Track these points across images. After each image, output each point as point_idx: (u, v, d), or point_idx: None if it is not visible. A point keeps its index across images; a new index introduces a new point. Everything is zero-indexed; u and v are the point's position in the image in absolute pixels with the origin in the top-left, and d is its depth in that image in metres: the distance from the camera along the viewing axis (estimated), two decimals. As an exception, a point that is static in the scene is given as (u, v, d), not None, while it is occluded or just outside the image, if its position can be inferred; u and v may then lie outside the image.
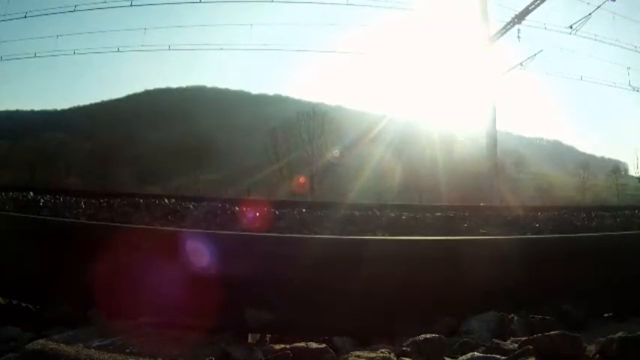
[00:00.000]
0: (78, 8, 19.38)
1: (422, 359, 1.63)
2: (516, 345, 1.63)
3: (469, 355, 1.53)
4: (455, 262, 2.29)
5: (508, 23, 20.09)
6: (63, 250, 2.29)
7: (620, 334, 1.56)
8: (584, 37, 20.18)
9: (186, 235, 2.32)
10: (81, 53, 20.65)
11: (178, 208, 8.57)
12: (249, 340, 2.01)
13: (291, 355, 1.58)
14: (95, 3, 19.08)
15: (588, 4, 18.58)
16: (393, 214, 8.88)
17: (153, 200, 9.89)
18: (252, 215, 8.09)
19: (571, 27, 19.60)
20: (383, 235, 5.96)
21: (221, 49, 35.63)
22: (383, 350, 1.66)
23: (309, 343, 1.66)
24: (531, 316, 2.09)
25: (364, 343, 1.91)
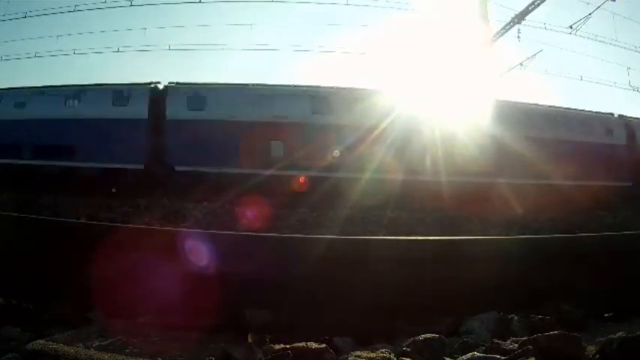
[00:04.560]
0: (78, 8, 19.37)
1: (422, 359, 1.63)
2: (516, 345, 1.63)
3: (469, 355, 1.53)
4: (456, 261, 2.30)
5: (508, 23, 20.07)
6: (63, 251, 2.29)
7: (620, 334, 1.56)
8: (584, 37, 20.14)
9: (185, 235, 2.32)
10: (81, 53, 20.56)
11: (178, 208, 8.57)
12: (249, 340, 2.01)
13: (291, 355, 1.58)
14: (95, 3, 19.06)
15: (588, 4, 18.56)
16: (393, 215, 8.88)
17: (153, 200, 9.89)
18: (252, 215, 8.10)
19: (571, 27, 19.58)
20: (383, 235, 5.96)
21: (221, 49, 35.60)
22: (383, 350, 1.66)
23: (309, 343, 1.66)
24: (531, 316, 2.09)
25: (364, 343, 1.90)
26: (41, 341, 1.62)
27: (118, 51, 19.85)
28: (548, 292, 2.28)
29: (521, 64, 20.29)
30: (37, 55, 20.39)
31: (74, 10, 19.13)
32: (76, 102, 14.26)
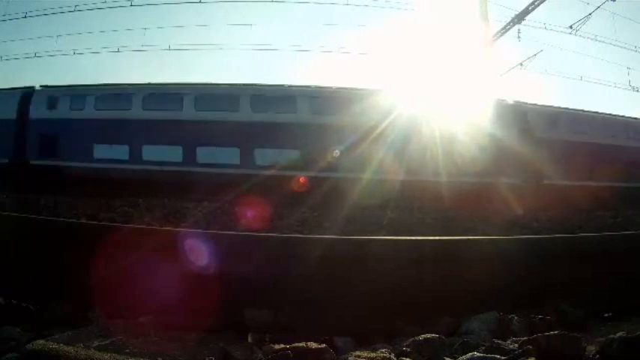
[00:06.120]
0: (78, 8, 19.34)
1: (422, 359, 1.63)
2: (516, 345, 1.63)
3: (469, 355, 1.53)
4: (456, 261, 2.30)
5: (508, 23, 20.05)
6: (63, 251, 2.29)
7: (620, 334, 1.56)
8: (584, 37, 20.12)
9: (185, 235, 2.32)
10: (81, 53, 20.54)
11: (178, 208, 8.57)
12: (249, 340, 2.01)
13: (291, 355, 1.58)
14: (95, 3, 19.03)
15: (588, 4, 18.54)
16: (393, 215, 8.88)
17: (153, 200, 9.89)
18: (252, 215, 8.09)
19: (571, 27, 19.57)
20: (383, 236, 5.95)
21: (221, 49, 35.53)
22: (383, 350, 1.65)
23: (309, 343, 1.65)
24: (531, 316, 2.09)
25: (364, 343, 1.90)
26: (41, 341, 1.61)
27: (117, 51, 19.84)
28: (548, 292, 2.28)
29: (521, 64, 20.29)
30: (37, 55, 20.40)
31: (74, 10, 19.13)
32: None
